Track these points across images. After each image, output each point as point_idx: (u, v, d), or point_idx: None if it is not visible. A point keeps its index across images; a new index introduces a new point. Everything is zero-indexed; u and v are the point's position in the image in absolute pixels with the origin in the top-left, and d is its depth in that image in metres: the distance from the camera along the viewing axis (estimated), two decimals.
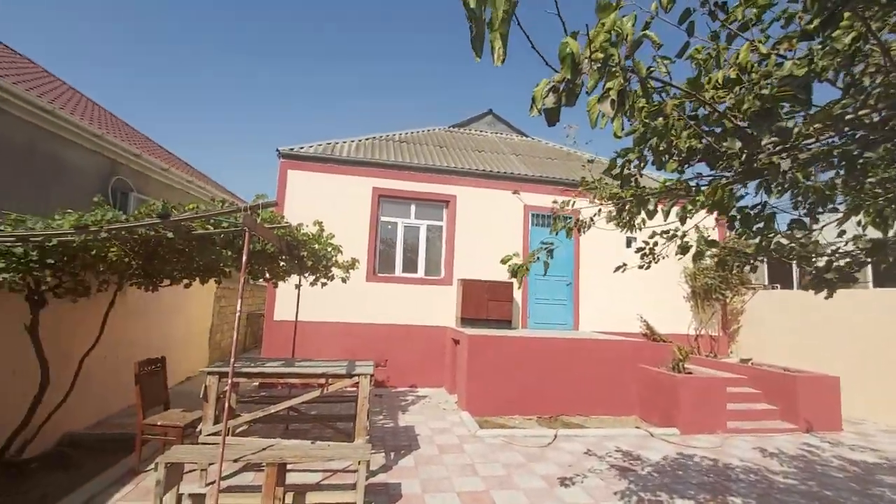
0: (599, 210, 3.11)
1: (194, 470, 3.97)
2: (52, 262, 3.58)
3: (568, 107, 1.46)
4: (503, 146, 11.76)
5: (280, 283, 7.54)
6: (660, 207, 2.63)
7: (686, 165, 2.07)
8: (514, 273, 2.71)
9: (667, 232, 2.88)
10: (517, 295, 8.91)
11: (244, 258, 3.37)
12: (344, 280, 5.74)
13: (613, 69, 1.51)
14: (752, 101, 1.55)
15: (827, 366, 7.55)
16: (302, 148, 8.78)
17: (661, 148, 1.95)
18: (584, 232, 2.84)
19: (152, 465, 4.07)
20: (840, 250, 2.29)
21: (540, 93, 1.47)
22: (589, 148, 4.00)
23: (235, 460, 3.28)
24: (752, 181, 1.98)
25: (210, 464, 3.86)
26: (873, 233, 2.33)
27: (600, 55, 1.37)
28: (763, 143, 1.67)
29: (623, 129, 1.80)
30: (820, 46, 1.63)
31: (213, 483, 3.70)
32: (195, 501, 3.40)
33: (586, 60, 1.44)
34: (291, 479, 3.91)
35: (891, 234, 2.12)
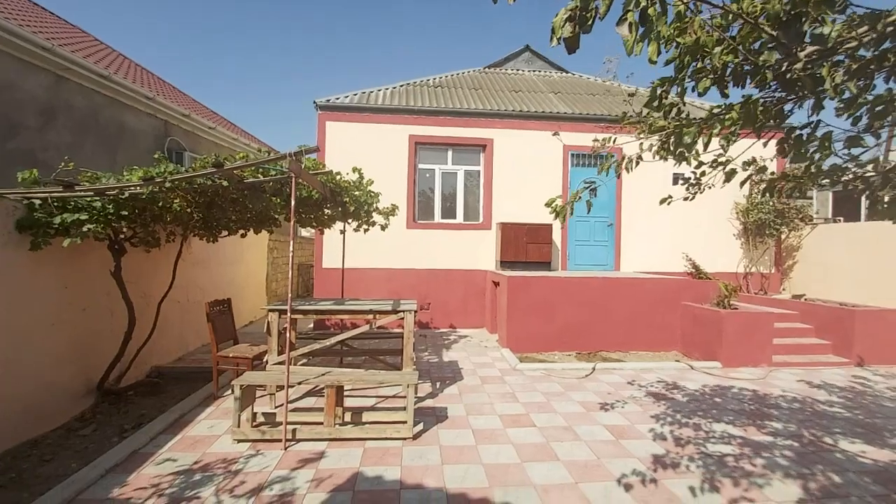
0: (642, 145, 3.02)
1: (263, 396, 4.50)
2: (126, 213, 3.98)
3: (585, 34, 1.46)
4: (541, 84, 11.24)
5: (326, 233, 7.95)
6: (701, 139, 2.53)
7: (724, 85, 1.98)
8: (557, 214, 2.75)
9: (715, 159, 2.79)
10: (557, 237, 8.89)
11: (292, 203, 3.61)
12: (383, 228, 5.95)
13: None
14: (781, 6, 1.46)
15: (889, 299, 7.16)
16: (338, 98, 8.83)
17: (697, 68, 1.89)
18: (630, 170, 2.79)
19: (229, 390, 4.69)
20: None
21: (558, 22, 1.47)
22: (631, 81, 3.78)
23: (300, 383, 3.71)
24: (795, 97, 1.88)
25: (278, 387, 4.36)
26: None
27: None
28: (801, 53, 1.58)
29: (657, 56, 1.75)
30: None
31: (281, 405, 4.22)
32: (267, 419, 3.90)
33: None
34: (348, 404, 4.35)
35: None
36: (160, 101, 7.86)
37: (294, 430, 3.58)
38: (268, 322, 4.35)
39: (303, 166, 3.87)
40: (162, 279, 5.29)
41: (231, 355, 4.54)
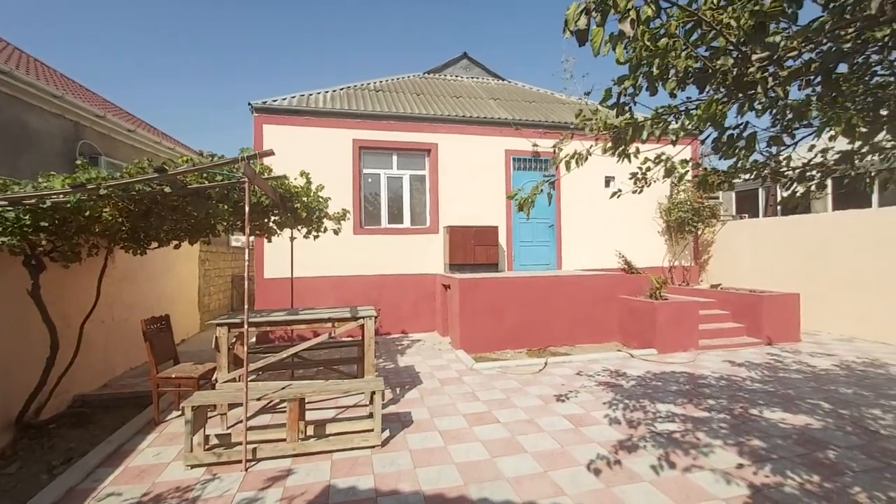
0: (596, 142, 3.24)
1: (214, 416, 4.19)
2: (46, 224, 3.54)
3: (599, 26, 1.57)
4: (481, 91, 11.57)
5: (267, 244, 7.58)
6: (649, 135, 2.79)
7: (680, 88, 2.21)
8: (520, 206, 2.87)
9: (658, 156, 3.06)
10: (502, 239, 9.18)
11: (247, 209, 3.42)
12: (336, 232, 5.80)
13: None
14: (748, 18, 1.69)
15: (786, 284, 8.23)
16: (275, 101, 8.48)
17: (656, 71, 2.08)
18: (581, 164, 2.98)
19: (177, 411, 4.32)
20: (811, 162, 2.54)
21: (572, 15, 1.57)
22: (585, 82, 4.04)
23: (259, 398, 3.51)
24: (742, 97, 2.14)
25: (230, 406, 4.10)
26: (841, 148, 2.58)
27: None
28: (753, 58, 1.82)
29: (624, 56, 1.91)
30: None
31: (235, 424, 3.96)
32: (221, 440, 3.64)
33: None
34: (308, 417, 4.17)
35: (856, 145, 2.35)
36: (70, 101, 7.06)
37: (254, 450, 3.38)
38: (216, 337, 4.07)
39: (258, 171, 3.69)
40: (84, 297, 4.75)
41: (174, 376, 4.17)
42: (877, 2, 1.67)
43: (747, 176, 3.08)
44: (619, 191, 3.26)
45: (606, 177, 9.57)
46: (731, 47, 1.85)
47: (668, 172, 2.83)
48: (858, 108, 1.97)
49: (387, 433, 3.83)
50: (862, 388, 4.91)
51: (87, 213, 3.66)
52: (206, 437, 3.54)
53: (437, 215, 8.95)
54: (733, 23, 1.76)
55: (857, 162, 2.55)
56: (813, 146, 2.59)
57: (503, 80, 13.16)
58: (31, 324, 4.01)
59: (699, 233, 10.37)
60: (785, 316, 7.23)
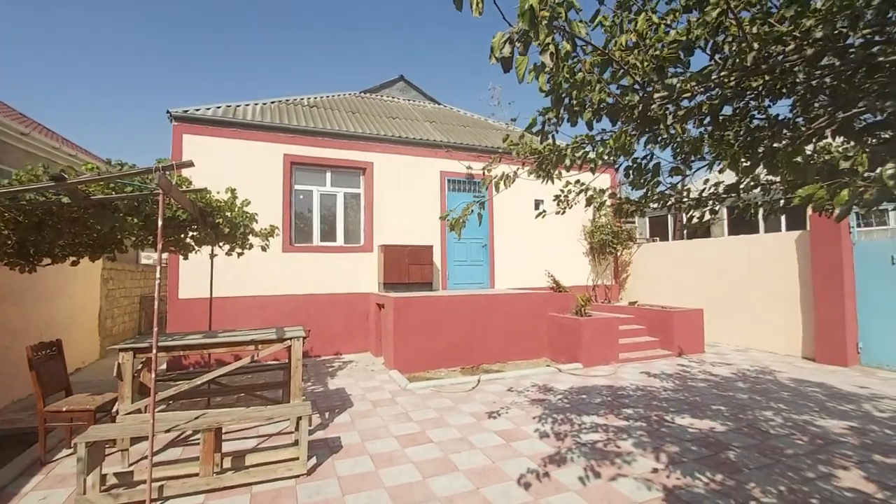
0: (522, 165, 3.43)
1: (114, 453, 3.72)
2: None
3: (522, 55, 1.68)
4: (416, 113, 11.78)
5: (183, 261, 7.00)
6: (573, 163, 3.03)
7: (596, 119, 2.42)
8: (452, 226, 2.94)
9: (579, 181, 3.29)
10: (437, 258, 9.26)
11: (160, 223, 3.15)
12: (264, 248, 5.52)
13: (556, 25, 1.75)
14: (650, 60, 1.91)
15: (692, 301, 9.11)
16: (198, 110, 8.00)
17: (575, 102, 2.26)
18: (508, 186, 3.14)
19: (68, 449, 3.80)
20: (706, 192, 2.88)
21: (497, 43, 1.67)
22: (512, 109, 4.27)
23: (167, 430, 3.17)
24: (647, 130, 2.39)
25: (134, 441, 3.68)
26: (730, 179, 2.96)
27: (546, 14, 1.61)
28: (655, 96, 2.06)
29: (547, 86, 2.07)
30: (696, 19, 2.05)
31: (139, 460, 3.56)
32: (122, 480, 3.24)
33: (539, 16, 1.67)
34: (226, 449, 3.84)
35: (741, 177, 2.71)
36: None
37: (161, 487, 3.04)
38: (118, 364, 3.65)
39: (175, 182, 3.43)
40: None
41: (65, 409, 3.66)
42: (751, 56, 1.97)
43: (656, 205, 3.43)
44: (544, 211, 3.46)
45: (536, 199, 10.07)
46: (637, 86, 2.07)
47: (589, 201, 3.07)
48: (741, 146, 2.27)
49: (313, 461, 3.63)
50: (755, 393, 5.51)
51: None
52: (103, 477, 3.13)
53: (372, 234, 8.85)
54: (638, 64, 1.98)
55: (743, 193, 2.94)
56: (707, 179, 2.95)
57: (439, 104, 13.53)
58: None
59: (618, 254, 11.20)
60: (692, 329, 7.96)
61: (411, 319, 6.89)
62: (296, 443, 3.64)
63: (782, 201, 2.73)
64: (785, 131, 2.22)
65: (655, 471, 3.46)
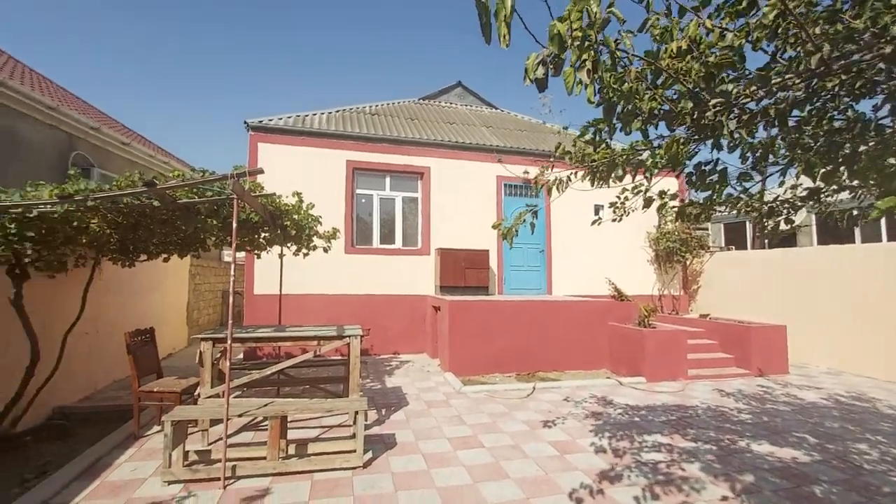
0: (575, 172, 3.36)
1: (195, 432, 4.09)
2: (32, 234, 3.52)
3: (555, 77, 1.67)
4: (474, 118, 11.85)
5: (257, 260, 7.56)
6: (627, 170, 2.92)
7: (648, 125, 2.32)
8: (504, 235, 2.95)
9: (636, 187, 3.16)
10: (493, 263, 9.22)
11: (234, 225, 3.44)
12: (326, 250, 5.82)
13: (588, 44, 1.74)
14: (699, 68, 1.81)
15: (773, 316, 8.31)
16: (271, 120, 8.61)
17: (626, 111, 2.19)
18: (562, 191, 3.08)
19: (153, 428, 4.22)
20: (779, 198, 2.64)
21: (531, 65, 1.68)
22: (563, 116, 4.19)
23: (241, 415, 3.44)
24: (702, 137, 2.25)
25: (212, 422, 4.01)
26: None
27: (579, 34, 1.59)
28: (710, 103, 1.93)
29: (595, 97, 2.03)
30: (753, 21, 1.91)
31: (216, 441, 3.88)
32: (200, 457, 3.56)
33: (569, 38, 1.67)
34: (291, 436, 4.09)
35: (819, 183, 2.46)
36: (64, 112, 7.11)
37: (234, 467, 3.30)
38: (200, 352, 4.01)
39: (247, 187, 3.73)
40: (68, 309, 4.69)
41: (156, 390, 4.09)
42: (816, 58, 1.79)
43: (722, 209, 3.19)
44: (600, 218, 3.36)
45: (596, 205, 9.73)
46: (690, 93, 1.96)
47: (647, 203, 2.93)
48: (819, 149, 2.07)
49: (369, 454, 3.75)
50: (848, 421, 4.92)
51: (75, 224, 3.66)
52: (186, 453, 3.45)
53: (429, 237, 9.01)
54: (688, 71, 1.89)
55: (829, 197, 2.66)
56: (795, 184, 2.69)
57: (496, 108, 13.50)
58: (11, 333, 3.93)
59: (688, 263, 10.50)
60: (773, 347, 7.27)
61: (467, 323, 6.92)
62: (353, 436, 3.79)
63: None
64: (871, 133, 1.99)
65: (725, 499, 3.20)
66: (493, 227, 3.26)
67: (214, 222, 4.30)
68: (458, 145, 9.37)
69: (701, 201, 3.28)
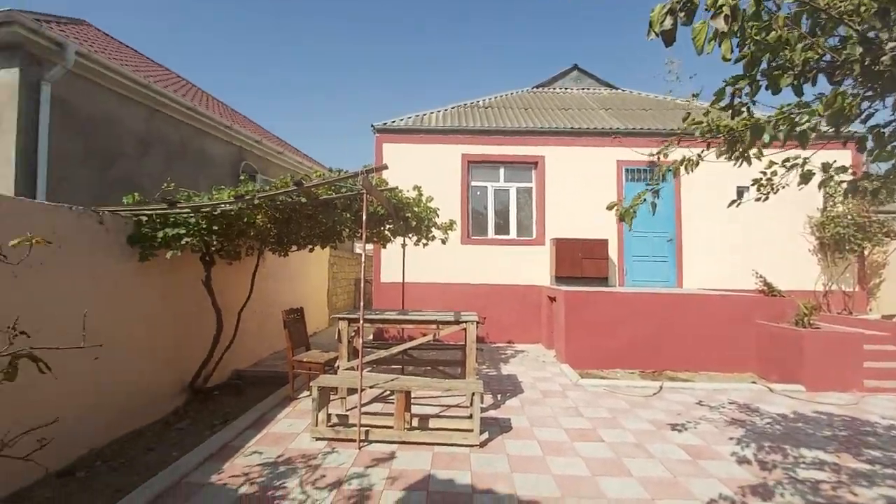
0: (707, 146, 3.00)
1: (335, 399, 4.68)
2: (217, 228, 4.38)
3: (686, 25, 1.53)
4: (591, 101, 11.23)
5: (383, 250, 8.27)
6: (773, 138, 2.49)
7: (803, 80, 1.97)
8: (622, 217, 2.78)
9: (787, 159, 2.71)
10: (613, 253, 8.70)
11: (363, 216, 3.84)
12: (443, 241, 6.12)
13: None
14: (870, 3, 1.48)
15: None
16: (394, 122, 9.28)
17: (773, 65, 1.90)
18: (691, 170, 2.78)
19: (303, 393, 4.94)
20: None
21: (657, 16, 1.56)
22: (694, 83, 3.68)
23: (372, 387, 3.86)
24: (878, 92, 1.84)
25: (349, 390, 4.55)
26: None
27: None
28: (887, 46, 1.57)
29: (732, 53, 1.78)
30: None
31: (353, 408, 4.39)
32: (340, 420, 4.07)
33: None
34: (413, 411, 4.43)
35: None
36: (236, 129, 8.60)
37: (367, 432, 3.72)
38: (338, 330, 4.58)
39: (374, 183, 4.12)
40: (239, 290, 5.70)
41: (305, 360, 4.80)
42: None
43: None
44: (739, 200, 2.95)
45: (739, 187, 8.50)
46: (858, 36, 1.61)
47: (805, 178, 2.49)
48: None
49: (485, 435, 3.89)
50: None
51: (246, 220, 4.45)
52: (329, 416, 3.99)
53: (544, 227, 8.85)
54: (854, 9, 1.55)
55: None
56: None
57: (616, 88, 12.59)
58: (203, 308, 4.95)
59: (866, 252, 8.61)
60: None
61: (585, 315, 6.67)
62: (470, 416, 3.97)
63: None
64: None
65: None
66: (609, 207, 3.07)
67: (348, 215, 4.84)
68: (574, 131, 9.01)
69: (881, 174, 2.70)
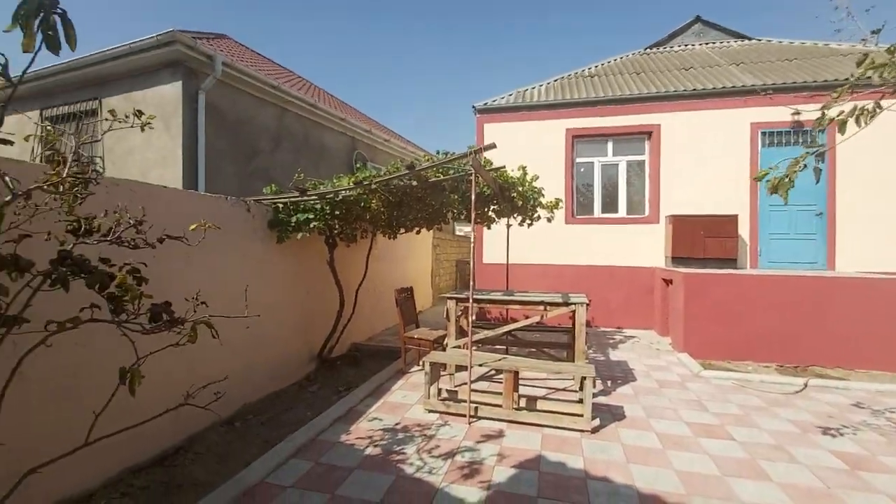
0: (883, 95, 2.46)
1: (444, 375, 4.92)
2: (338, 213, 4.79)
3: None
4: (717, 57, 9.86)
5: (485, 231, 8.33)
6: None
7: None
8: (774, 188, 2.43)
9: None
10: (743, 231, 7.68)
11: (472, 197, 3.88)
12: (549, 220, 5.95)
13: None
14: None
15: None
16: (495, 101, 9.15)
17: None
18: (866, 123, 2.31)
19: (415, 367, 5.26)
20: None
21: None
22: (869, 18, 2.94)
23: (480, 365, 3.97)
24: None
25: (457, 367, 4.73)
26: None
27: None
28: None
29: None
30: None
31: (461, 384, 4.57)
32: (450, 395, 4.27)
33: None
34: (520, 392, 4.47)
35: None
36: (350, 122, 9.24)
37: (476, 408, 3.85)
38: (447, 309, 4.76)
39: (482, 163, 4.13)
40: (354, 271, 6.20)
41: (416, 336, 5.10)
42: None
43: None
44: None
45: None
46: None
47: None
48: None
49: (597, 422, 3.78)
50: None
51: (363, 204, 4.78)
52: (439, 391, 4.21)
53: (658, 204, 8.11)
54: None
55: None
56: None
57: (749, 38, 10.87)
58: (327, 286, 5.49)
59: None
60: None
61: (707, 300, 6.04)
62: (580, 401, 3.88)
63: None
64: None
65: None
66: (757, 178, 2.71)
67: (455, 197, 4.94)
68: (696, 93, 8.01)
69: None
